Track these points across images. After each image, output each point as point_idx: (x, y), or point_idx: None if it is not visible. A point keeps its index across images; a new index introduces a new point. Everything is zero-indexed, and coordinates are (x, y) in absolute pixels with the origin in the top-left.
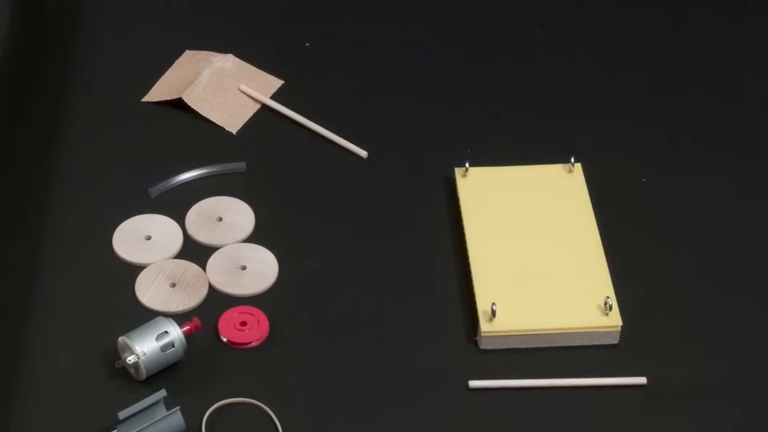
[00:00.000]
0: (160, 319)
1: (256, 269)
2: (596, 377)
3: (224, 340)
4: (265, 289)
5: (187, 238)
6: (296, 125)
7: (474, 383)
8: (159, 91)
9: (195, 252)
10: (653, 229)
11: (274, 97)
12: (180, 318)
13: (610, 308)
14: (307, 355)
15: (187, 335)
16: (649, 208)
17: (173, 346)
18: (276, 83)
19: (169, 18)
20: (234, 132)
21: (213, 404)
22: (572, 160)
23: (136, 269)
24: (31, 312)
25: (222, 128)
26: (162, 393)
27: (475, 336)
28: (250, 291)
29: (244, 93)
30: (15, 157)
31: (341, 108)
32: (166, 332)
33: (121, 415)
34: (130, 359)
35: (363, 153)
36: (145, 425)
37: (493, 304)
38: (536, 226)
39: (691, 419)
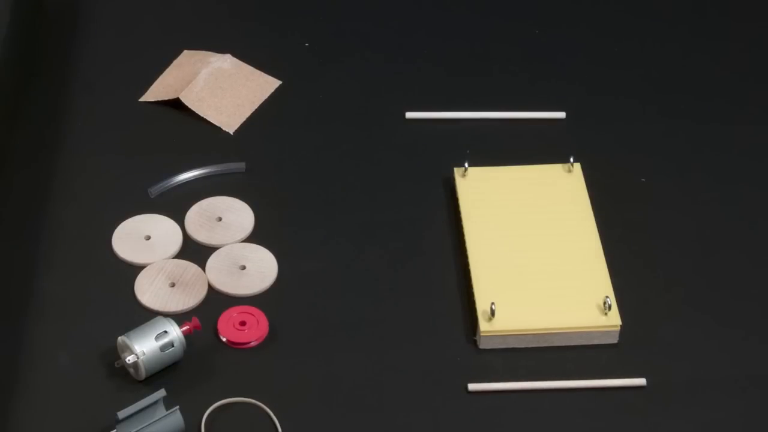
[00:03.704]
0: (160, 318)
1: (255, 269)
2: (596, 377)
3: (224, 339)
4: (265, 289)
5: (187, 238)
6: (296, 125)
7: (473, 386)
8: (156, 91)
9: (194, 252)
10: (653, 229)
11: (272, 98)
12: (179, 318)
13: (609, 308)
14: (307, 355)
15: (187, 335)
16: (649, 208)
17: (173, 345)
18: (274, 83)
19: (167, 18)
20: (231, 132)
21: (213, 404)
22: (571, 160)
23: (135, 269)
24: (31, 312)
25: (221, 128)
26: (161, 393)
27: (474, 336)
28: (250, 291)
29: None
30: (15, 157)
31: (340, 108)
32: (166, 332)
33: (121, 414)
34: (130, 359)
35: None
36: (145, 425)
37: (492, 303)
38: (536, 226)
39: (691, 419)
